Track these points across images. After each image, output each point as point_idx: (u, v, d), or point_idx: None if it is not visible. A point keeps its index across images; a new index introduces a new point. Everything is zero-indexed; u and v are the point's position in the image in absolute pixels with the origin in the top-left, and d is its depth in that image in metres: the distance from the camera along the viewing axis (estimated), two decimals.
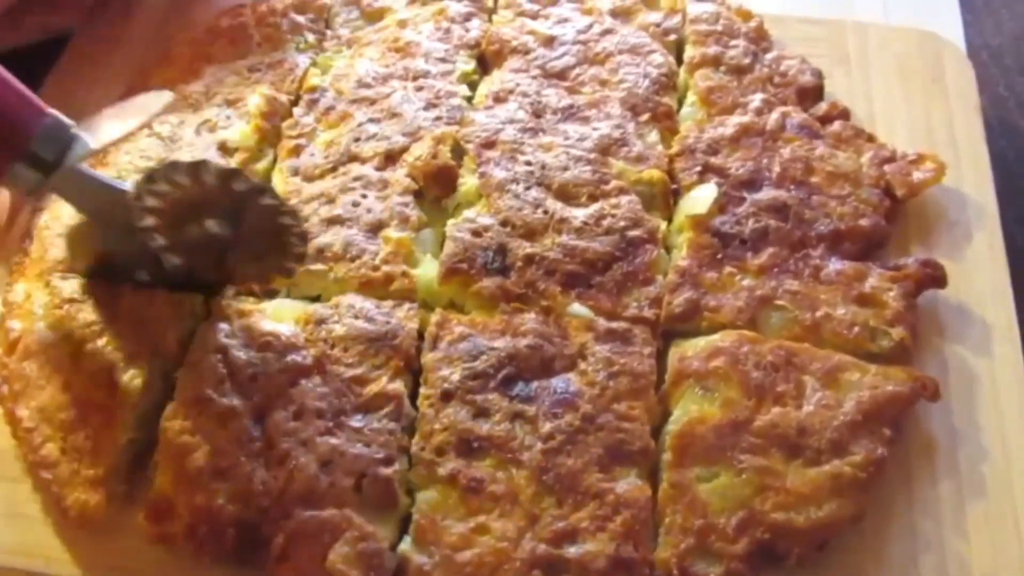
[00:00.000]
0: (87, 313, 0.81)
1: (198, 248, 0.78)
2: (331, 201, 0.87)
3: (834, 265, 0.85)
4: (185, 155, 0.91)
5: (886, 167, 0.92)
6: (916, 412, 0.79)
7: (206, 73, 0.99)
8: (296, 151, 0.92)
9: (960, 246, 0.91)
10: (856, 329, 0.81)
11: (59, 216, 0.88)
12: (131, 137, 0.90)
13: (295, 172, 0.90)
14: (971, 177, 0.95)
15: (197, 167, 0.75)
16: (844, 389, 0.77)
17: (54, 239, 0.87)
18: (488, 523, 0.71)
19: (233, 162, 0.91)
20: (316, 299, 0.84)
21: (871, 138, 0.96)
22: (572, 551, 0.70)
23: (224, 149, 0.91)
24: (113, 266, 0.83)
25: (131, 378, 0.78)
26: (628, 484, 0.73)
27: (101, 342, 0.79)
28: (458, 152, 0.91)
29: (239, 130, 0.92)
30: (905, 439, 0.78)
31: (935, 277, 0.85)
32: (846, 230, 0.87)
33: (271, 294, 0.84)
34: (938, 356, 0.84)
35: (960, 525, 0.75)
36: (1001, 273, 0.89)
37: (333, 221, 0.86)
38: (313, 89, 0.97)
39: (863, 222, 0.87)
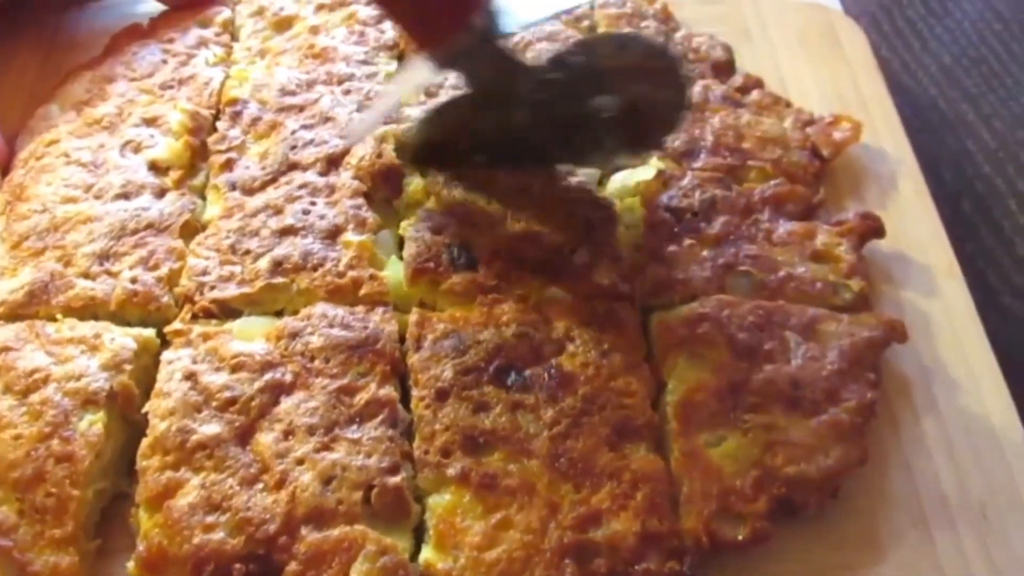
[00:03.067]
0: (27, 360, 0.74)
1: (566, 127, 0.81)
2: (279, 212, 0.83)
3: (784, 226, 0.87)
4: (116, 178, 0.84)
5: (808, 129, 0.96)
6: (886, 356, 0.81)
7: (112, 93, 0.92)
8: (228, 165, 0.87)
9: (889, 197, 0.95)
10: (818, 285, 0.83)
11: None
12: None
13: (232, 187, 0.86)
14: (885, 132, 1.00)
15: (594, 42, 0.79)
16: (824, 339, 0.79)
17: None
18: (510, 518, 0.68)
19: (168, 181, 0.85)
20: (279, 314, 0.79)
21: (788, 104, 0.99)
22: (599, 534, 0.68)
23: (156, 168, 0.86)
24: (451, 150, 0.86)
25: (91, 424, 0.71)
26: (641, 459, 0.72)
27: (49, 390, 0.73)
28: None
29: (168, 147, 0.87)
30: (882, 382, 0.80)
31: (875, 228, 0.88)
32: (785, 192, 0.89)
33: (232, 314, 0.78)
34: (892, 302, 0.87)
35: (950, 456, 0.77)
36: (932, 217, 0.93)
37: (286, 232, 0.82)
38: (234, 101, 0.92)
39: (800, 186, 0.90)
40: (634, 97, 0.79)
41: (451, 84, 0.91)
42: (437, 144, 0.86)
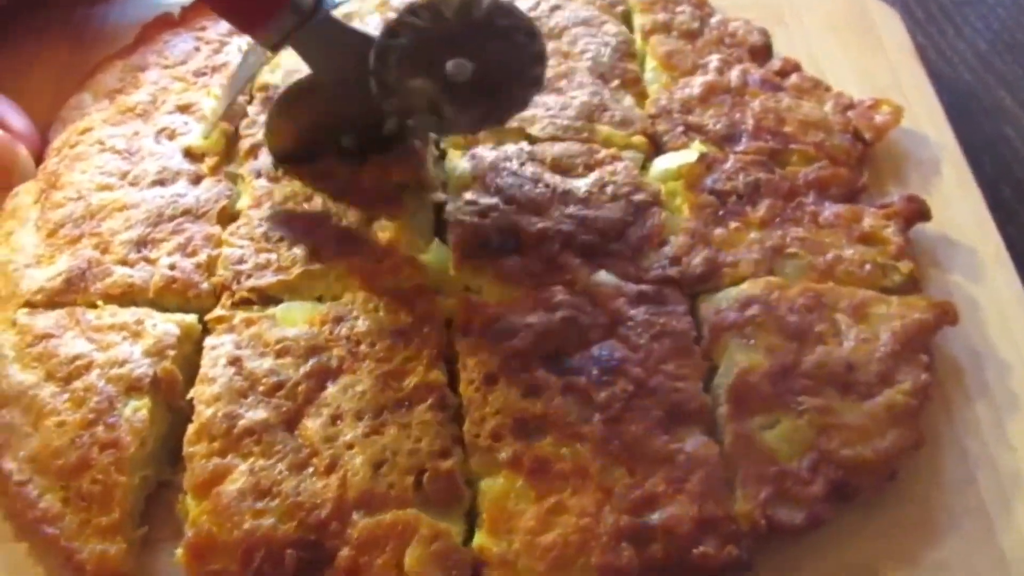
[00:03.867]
0: (69, 347, 0.73)
1: (431, 99, 0.75)
2: (309, 199, 0.82)
3: (829, 209, 0.85)
4: (151, 165, 0.83)
5: (849, 113, 0.95)
6: (937, 339, 0.80)
7: (146, 82, 0.91)
8: (253, 152, 0.86)
9: (932, 182, 0.93)
10: (867, 267, 0.81)
11: (21, 248, 0.79)
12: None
13: (257, 174, 0.84)
14: (925, 117, 0.99)
15: (436, 3, 0.72)
16: (875, 322, 0.77)
17: (22, 271, 0.78)
18: (563, 502, 0.67)
19: (203, 167, 0.84)
20: (318, 300, 0.78)
21: (828, 88, 0.98)
22: (655, 518, 0.67)
23: (191, 155, 0.85)
24: (316, 137, 0.82)
25: (135, 410, 0.70)
26: (695, 443, 0.70)
27: (92, 376, 0.71)
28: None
29: (202, 134, 0.86)
30: (934, 365, 0.79)
31: (920, 211, 0.87)
32: (829, 176, 0.88)
33: (271, 302, 0.77)
34: (939, 286, 0.85)
35: (1004, 440, 0.76)
36: (977, 202, 0.92)
37: (319, 218, 0.80)
38: (266, 87, 0.91)
39: (844, 169, 0.89)
40: (488, 59, 0.74)
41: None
42: (299, 135, 0.83)
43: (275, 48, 0.76)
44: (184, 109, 0.89)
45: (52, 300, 0.77)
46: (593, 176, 0.84)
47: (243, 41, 0.96)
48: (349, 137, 0.83)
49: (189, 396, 0.71)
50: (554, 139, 0.86)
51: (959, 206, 0.91)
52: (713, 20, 1.02)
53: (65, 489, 0.68)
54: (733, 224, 0.83)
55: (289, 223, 0.81)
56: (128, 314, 0.75)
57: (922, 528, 0.72)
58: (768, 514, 0.68)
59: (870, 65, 1.04)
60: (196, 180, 0.84)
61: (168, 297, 0.77)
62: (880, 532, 0.71)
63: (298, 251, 0.79)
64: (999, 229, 0.90)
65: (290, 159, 0.84)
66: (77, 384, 0.71)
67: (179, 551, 0.66)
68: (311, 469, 0.67)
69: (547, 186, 0.82)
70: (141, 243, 0.79)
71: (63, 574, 0.67)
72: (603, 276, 0.78)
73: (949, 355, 0.81)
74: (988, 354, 0.81)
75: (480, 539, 0.66)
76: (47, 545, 0.67)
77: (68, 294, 0.77)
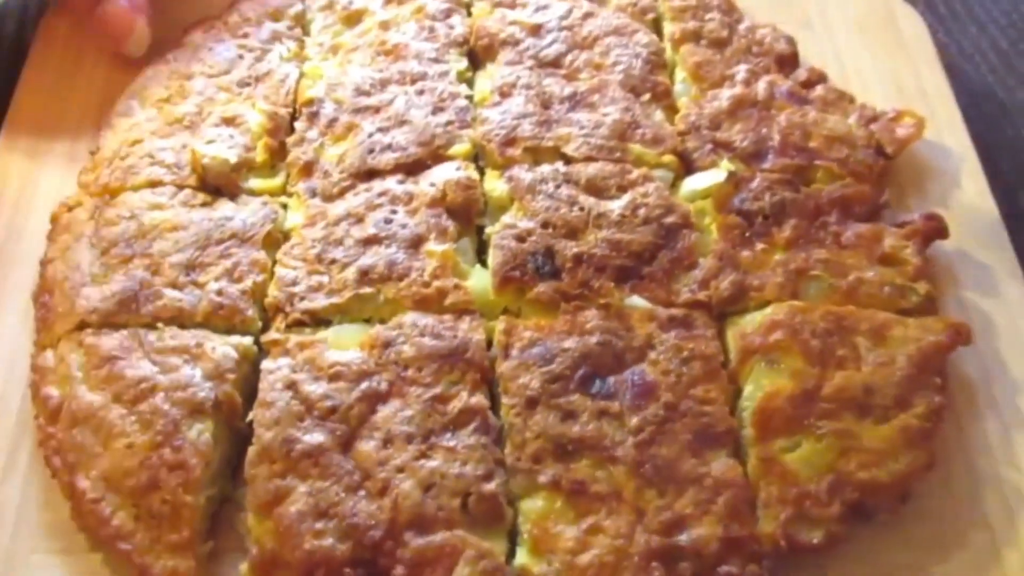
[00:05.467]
0: (134, 369, 0.77)
1: None
2: (360, 220, 0.86)
3: (852, 229, 0.88)
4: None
5: (872, 126, 0.97)
6: (950, 357, 0.84)
7: (192, 91, 0.94)
8: (307, 170, 0.90)
9: (951, 195, 0.97)
10: (887, 289, 0.85)
11: (76, 264, 0.83)
12: None
13: (313, 193, 0.88)
14: (947, 128, 1.01)
15: None
16: (893, 345, 0.81)
17: (77, 288, 0.82)
18: (600, 523, 0.72)
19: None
20: (366, 322, 0.82)
21: (852, 99, 1.00)
22: (683, 539, 0.72)
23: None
24: None
25: (200, 433, 0.75)
26: (722, 465, 0.75)
27: (157, 399, 0.76)
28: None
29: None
30: (947, 386, 0.83)
31: (938, 229, 0.90)
32: (853, 194, 0.91)
33: (322, 322, 0.81)
34: (955, 301, 0.89)
35: (1011, 457, 0.80)
36: (993, 215, 0.95)
37: (369, 241, 0.84)
38: (310, 102, 0.94)
39: (867, 187, 0.91)
40: None
41: None
42: None
43: None
44: (229, 122, 0.92)
45: (106, 321, 0.81)
46: (626, 198, 0.87)
47: (284, 48, 0.98)
48: None
49: (249, 419, 0.76)
50: (588, 159, 0.89)
51: (977, 221, 0.94)
52: (741, 27, 1.04)
53: (136, 507, 0.73)
54: (760, 245, 0.86)
55: (342, 243, 0.84)
56: (188, 336, 0.79)
57: (933, 544, 0.76)
58: (788, 534, 0.73)
59: (894, 70, 1.06)
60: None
61: (215, 322, 0.81)
62: (894, 548, 0.76)
63: (349, 274, 0.83)
64: (1016, 237, 0.94)
65: None
66: (144, 407, 0.75)
67: (243, 567, 0.71)
68: (364, 492, 0.72)
69: (582, 209, 0.86)
70: (190, 267, 0.83)
71: None
72: (636, 300, 0.82)
73: (962, 371, 0.85)
74: (999, 371, 0.85)
75: (522, 558, 0.72)
76: (121, 558, 0.73)
77: (120, 315, 0.81)
